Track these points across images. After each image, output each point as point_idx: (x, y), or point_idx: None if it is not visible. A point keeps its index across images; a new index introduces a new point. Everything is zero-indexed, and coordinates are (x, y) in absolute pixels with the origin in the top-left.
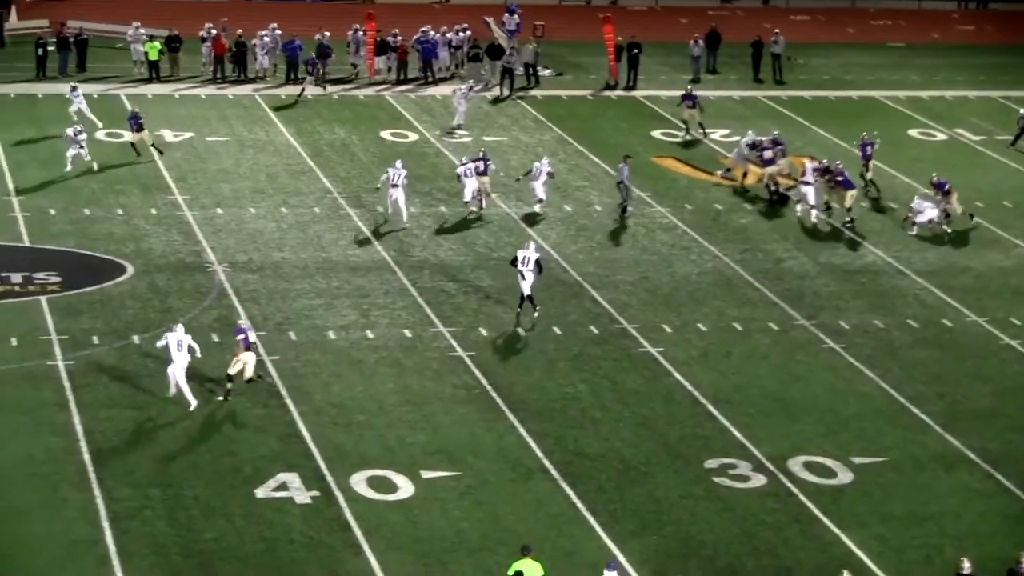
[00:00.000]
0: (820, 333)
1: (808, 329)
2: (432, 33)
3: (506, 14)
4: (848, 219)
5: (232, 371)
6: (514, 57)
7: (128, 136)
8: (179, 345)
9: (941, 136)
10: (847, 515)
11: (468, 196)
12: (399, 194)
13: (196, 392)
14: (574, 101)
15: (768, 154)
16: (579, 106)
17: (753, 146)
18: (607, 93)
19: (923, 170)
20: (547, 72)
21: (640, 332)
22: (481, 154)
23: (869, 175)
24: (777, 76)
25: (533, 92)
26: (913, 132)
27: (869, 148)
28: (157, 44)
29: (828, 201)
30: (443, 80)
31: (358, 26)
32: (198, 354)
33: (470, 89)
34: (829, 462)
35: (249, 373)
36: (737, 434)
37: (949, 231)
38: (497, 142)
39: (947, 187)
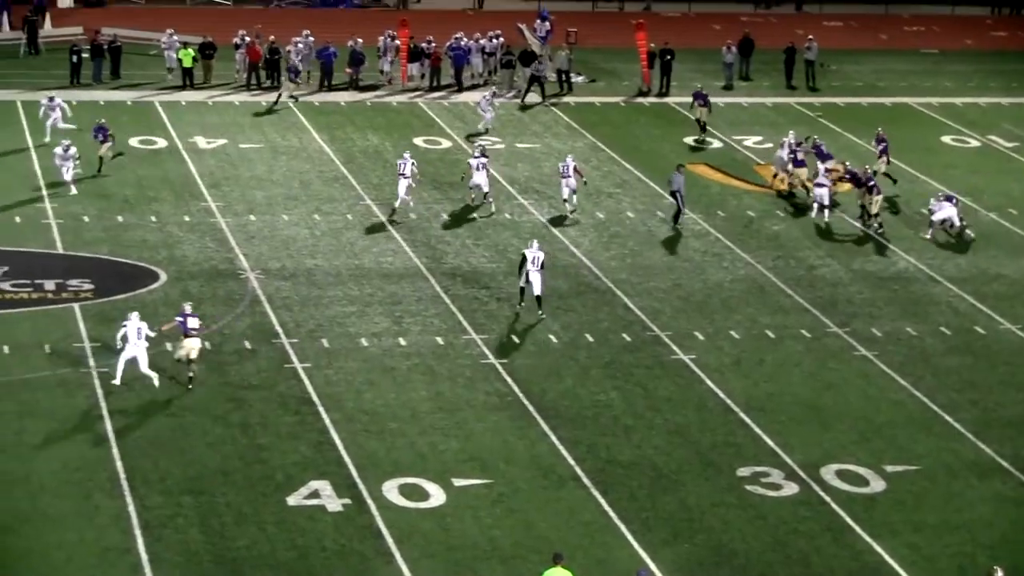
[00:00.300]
0: (853, 340)
1: (841, 336)
2: (465, 40)
3: (537, 20)
4: (876, 224)
5: (177, 356)
6: (543, 64)
7: (102, 150)
8: (138, 333)
9: (974, 143)
10: (880, 524)
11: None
12: (403, 184)
13: (163, 385)
14: (607, 108)
15: (800, 156)
16: (612, 113)
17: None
18: (640, 100)
19: (956, 177)
20: (580, 79)
21: (672, 339)
22: (479, 152)
23: (883, 170)
24: (810, 83)
25: (566, 99)
26: (946, 139)
27: (884, 144)
28: (191, 51)
29: (863, 204)
30: (476, 87)
31: (391, 32)
32: (150, 335)
33: (494, 95)
34: (862, 470)
35: (193, 357)
36: (769, 442)
37: (959, 235)
38: (530, 149)
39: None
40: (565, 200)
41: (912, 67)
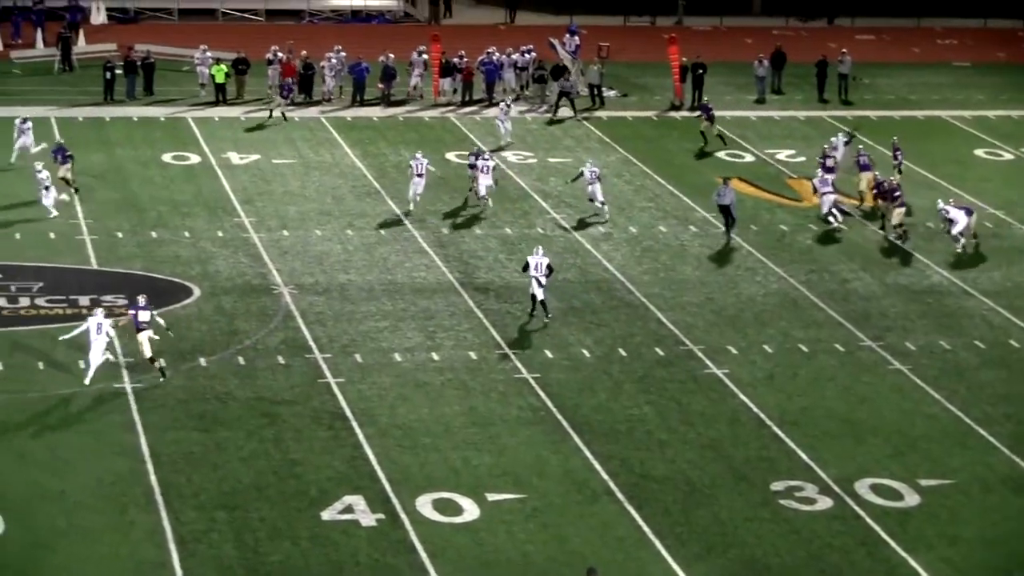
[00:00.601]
0: (886, 354)
1: (874, 350)
2: (497, 55)
3: (567, 35)
4: (897, 234)
5: (148, 354)
6: (570, 80)
7: (63, 172)
8: (99, 328)
9: (1008, 156)
10: (914, 538)
11: (482, 191)
12: (420, 183)
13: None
14: (639, 122)
15: (830, 163)
16: (644, 127)
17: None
18: (672, 114)
19: (989, 190)
20: (612, 93)
21: (706, 354)
22: (476, 151)
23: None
24: (843, 96)
25: (598, 113)
26: (979, 152)
27: (900, 153)
28: (224, 67)
29: (883, 214)
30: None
31: (423, 48)
32: (113, 336)
33: (508, 107)
34: (896, 484)
35: (147, 353)
36: (803, 456)
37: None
38: (562, 163)
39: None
40: (602, 203)
41: (944, 80)
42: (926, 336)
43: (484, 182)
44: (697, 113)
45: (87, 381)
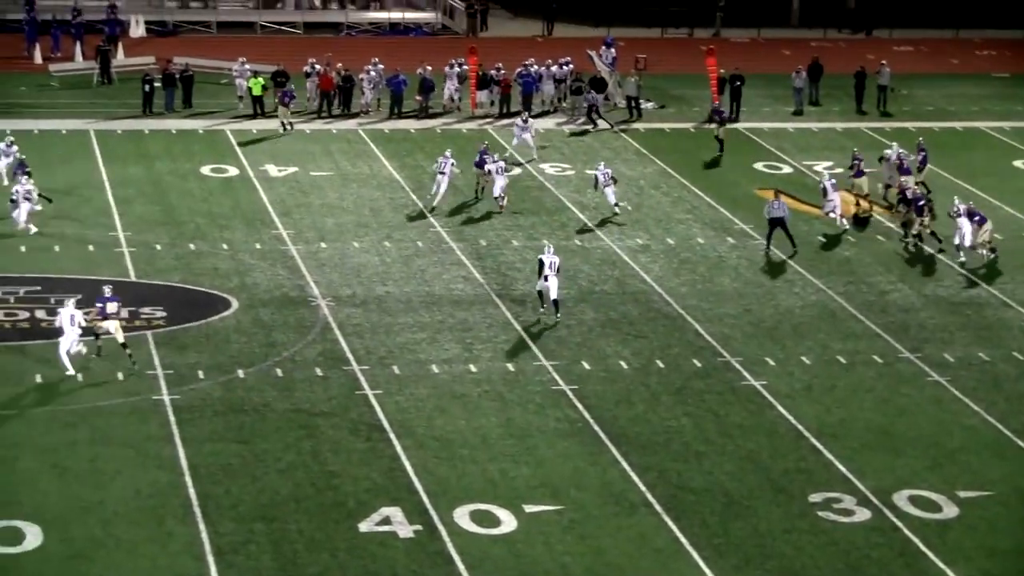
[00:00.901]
0: (925, 366)
1: (913, 362)
2: (535, 67)
3: (603, 47)
4: (911, 242)
5: (120, 339)
6: (590, 94)
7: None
8: (72, 320)
9: None
10: (953, 550)
11: (497, 191)
12: (444, 180)
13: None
14: (676, 134)
15: (907, 164)
16: (681, 139)
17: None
18: (710, 126)
19: None
20: (649, 105)
21: (743, 365)
22: (483, 150)
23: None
24: (882, 107)
25: (635, 125)
26: (1018, 163)
27: (924, 155)
28: (261, 80)
29: (905, 223)
30: (546, 113)
31: (461, 60)
32: (83, 324)
33: (525, 121)
34: (934, 496)
35: (120, 339)
36: (841, 468)
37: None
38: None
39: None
40: (616, 204)
41: (983, 91)
42: (965, 348)
43: (500, 183)
44: (711, 119)
45: (69, 372)
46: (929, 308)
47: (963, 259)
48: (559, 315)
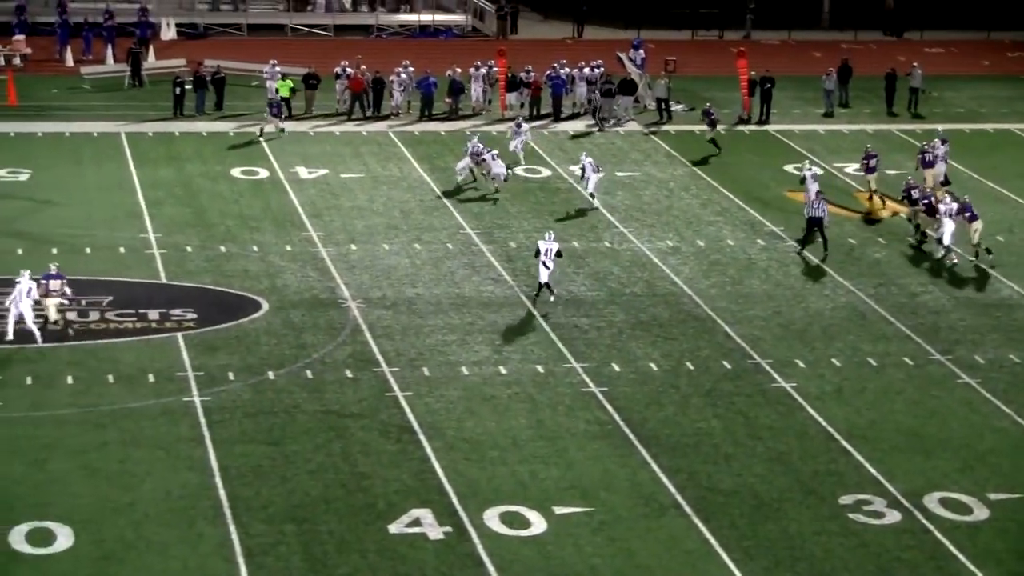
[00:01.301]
0: (956, 368)
1: (944, 364)
2: (565, 69)
3: (631, 49)
4: (918, 241)
5: (52, 317)
6: (595, 96)
7: None
8: (28, 292)
9: None
10: (984, 552)
11: (496, 169)
12: (467, 161)
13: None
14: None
15: (929, 158)
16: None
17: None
18: (740, 127)
19: None
20: (679, 107)
21: (773, 367)
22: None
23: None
24: (913, 109)
25: (665, 127)
26: None
27: (945, 144)
28: (289, 82)
29: (918, 224)
30: (576, 115)
31: (489, 62)
32: (36, 295)
33: (519, 126)
34: (965, 498)
35: (52, 317)
36: (872, 470)
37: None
38: (630, 177)
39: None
40: (592, 194)
41: (1014, 93)
42: (995, 349)
43: (496, 168)
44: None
45: (9, 336)
46: (960, 310)
47: (942, 254)
48: (553, 296)
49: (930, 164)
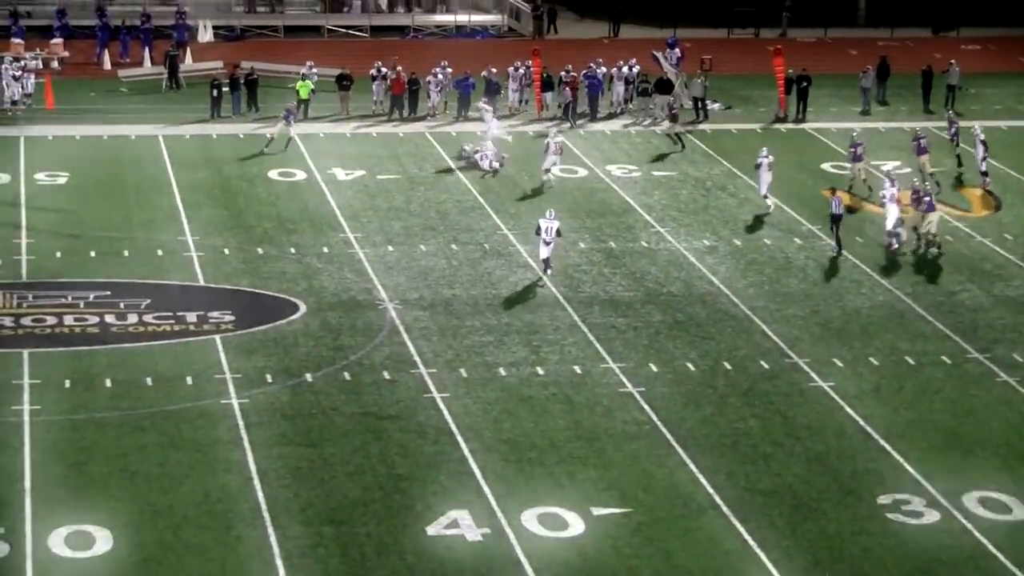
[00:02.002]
0: (994, 366)
1: (982, 363)
2: (602, 68)
3: (667, 48)
4: (928, 240)
5: None
6: (615, 94)
7: None
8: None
9: None
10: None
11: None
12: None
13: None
14: (743, 134)
15: (923, 144)
16: (748, 139)
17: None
18: (777, 126)
19: None
20: (716, 106)
21: (811, 366)
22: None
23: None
24: (950, 106)
25: (702, 126)
26: None
27: (954, 127)
28: (309, 83)
29: (914, 227)
30: (612, 115)
31: (527, 63)
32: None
33: (490, 110)
34: (1005, 498)
35: None
36: (910, 469)
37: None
38: (666, 176)
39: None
40: (547, 169)
41: None
42: None
43: (495, 130)
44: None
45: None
46: (998, 308)
47: (888, 243)
48: (551, 271)
49: (924, 151)
